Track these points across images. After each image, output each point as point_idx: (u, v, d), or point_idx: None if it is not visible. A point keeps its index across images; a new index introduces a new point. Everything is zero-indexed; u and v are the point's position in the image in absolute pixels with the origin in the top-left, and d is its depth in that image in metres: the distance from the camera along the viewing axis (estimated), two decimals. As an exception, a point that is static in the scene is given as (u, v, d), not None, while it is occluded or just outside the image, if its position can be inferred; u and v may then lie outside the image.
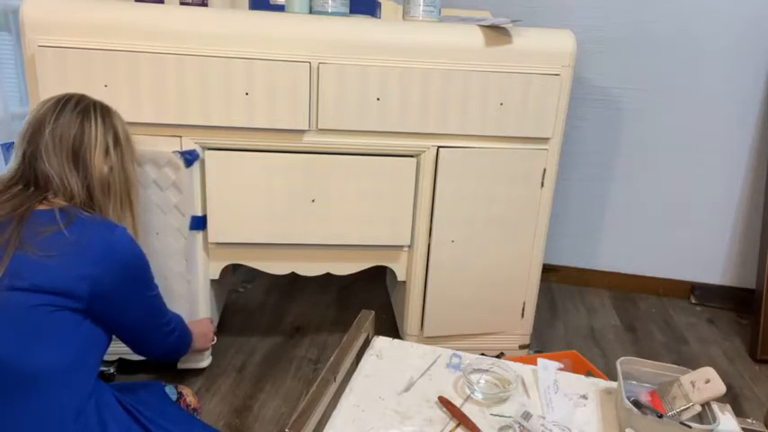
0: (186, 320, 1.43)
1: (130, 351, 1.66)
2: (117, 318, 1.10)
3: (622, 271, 2.47)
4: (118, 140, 1.19)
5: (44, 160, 1.07)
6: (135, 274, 1.09)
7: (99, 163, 1.13)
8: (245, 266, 1.71)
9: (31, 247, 0.95)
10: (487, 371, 1.15)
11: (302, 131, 1.54)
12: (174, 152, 1.50)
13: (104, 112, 1.18)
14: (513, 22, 1.55)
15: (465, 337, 1.85)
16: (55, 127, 1.09)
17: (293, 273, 1.71)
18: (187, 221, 1.56)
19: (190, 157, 1.52)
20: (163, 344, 1.28)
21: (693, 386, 1.03)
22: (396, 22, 1.58)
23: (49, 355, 0.95)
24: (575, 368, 1.63)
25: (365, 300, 2.28)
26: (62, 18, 1.40)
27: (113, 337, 1.13)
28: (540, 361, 1.18)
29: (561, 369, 1.18)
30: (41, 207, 1.03)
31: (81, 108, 1.14)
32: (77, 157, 1.10)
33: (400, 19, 1.67)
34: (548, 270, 2.46)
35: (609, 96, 2.26)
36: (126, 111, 1.45)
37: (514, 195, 1.69)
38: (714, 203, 2.32)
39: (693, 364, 1.94)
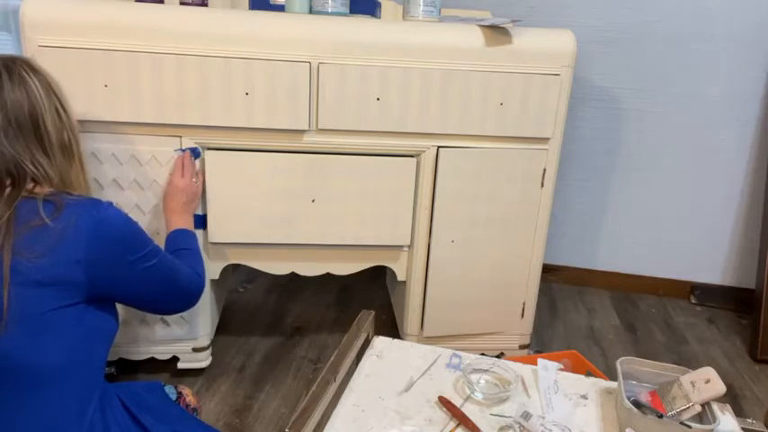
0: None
1: (131, 351, 1.68)
2: (129, 296, 1.08)
3: (622, 271, 2.47)
4: (61, 99, 1.06)
5: (8, 149, 0.97)
6: (129, 247, 1.04)
7: (56, 130, 1.03)
8: (245, 266, 1.70)
9: (22, 249, 0.93)
10: (487, 371, 1.15)
11: (302, 131, 1.54)
12: (175, 150, 1.51)
13: (33, 71, 1.03)
14: (513, 22, 1.55)
15: (465, 337, 1.85)
16: (2, 106, 0.97)
17: (293, 273, 1.71)
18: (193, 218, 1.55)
19: (192, 155, 1.52)
20: (188, 297, 1.22)
21: (693, 386, 1.03)
22: (396, 22, 1.58)
23: (53, 350, 0.95)
24: (575, 368, 1.63)
25: (365, 300, 2.28)
26: (62, 18, 1.40)
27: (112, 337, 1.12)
28: (540, 361, 1.18)
29: (561, 369, 1.18)
30: (24, 198, 0.97)
31: (17, 77, 0.99)
32: (39, 132, 1.00)
33: (400, 19, 1.68)
34: (548, 270, 2.46)
35: (609, 96, 2.26)
36: (126, 111, 1.45)
37: (514, 195, 1.69)
38: (714, 203, 2.33)
39: (693, 364, 1.94)
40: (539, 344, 2.04)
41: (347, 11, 1.61)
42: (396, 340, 1.25)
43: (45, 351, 0.94)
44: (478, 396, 1.08)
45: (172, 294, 1.18)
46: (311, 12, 1.59)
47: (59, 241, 0.95)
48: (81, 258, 0.96)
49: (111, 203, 1.03)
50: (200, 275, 1.26)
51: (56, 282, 0.94)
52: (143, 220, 1.53)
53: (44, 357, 0.94)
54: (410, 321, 1.81)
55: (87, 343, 1.01)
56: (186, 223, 1.44)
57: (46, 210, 0.96)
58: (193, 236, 1.41)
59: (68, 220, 0.97)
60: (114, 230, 1.01)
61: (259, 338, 1.99)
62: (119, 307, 1.11)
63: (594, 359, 1.97)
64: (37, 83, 1.02)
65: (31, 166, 0.99)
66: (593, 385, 1.15)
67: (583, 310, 2.33)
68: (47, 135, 1.02)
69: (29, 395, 0.94)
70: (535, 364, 1.18)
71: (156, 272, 1.10)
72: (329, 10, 1.57)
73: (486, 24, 1.55)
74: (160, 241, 1.36)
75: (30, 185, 1.00)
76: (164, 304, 1.19)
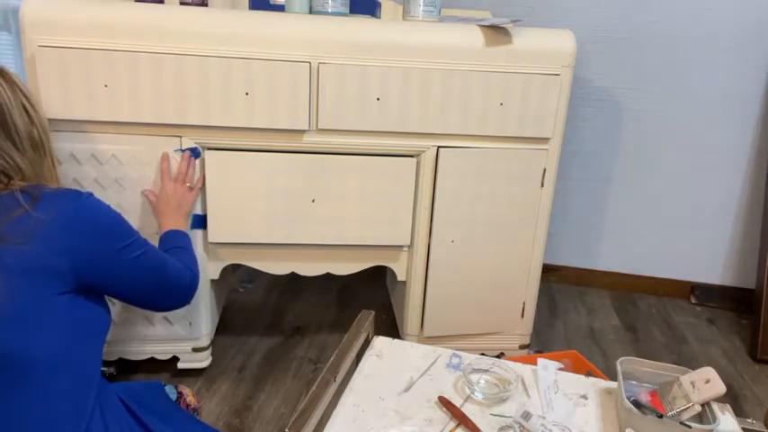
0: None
1: (130, 351, 1.68)
2: (119, 289, 1.08)
3: (622, 271, 2.47)
4: (28, 97, 1.10)
5: None
6: (112, 235, 1.04)
7: (24, 125, 1.06)
8: (245, 266, 1.70)
9: (6, 236, 0.93)
10: (487, 371, 1.15)
11: (302, 131, 1.54)
12: (175, 150, 1.51)
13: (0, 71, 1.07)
14: (513, 22, 1.55)
15: (465, 337, 1.85)
16: None
17: (293, 273, 1.71)
18: (187, 221, 1.56)
19: (192, 155, 1.52)
20: (181, 293, 1.22)
21: (693, 386, 1.03)
22: (396, 22, 1.58)
23: (46, 341, 0.94)
24: (575, 368, 1.63)
25: (365, 300, 2.28)
26: (62, 18, 1.40)
27: (112, 334, 1.11)
28: (540, 361, 1.18)
29: (561, 369, 1.18)
30: (1, 192, 0.98)
31: None
32: (7, 129, 1.03)
33: (400, 19, 1.68)
34: (548, 270, 2.46)
35: (609, 96, 2.26)
36: (126, 111, 1.45)
37: (514, 195, 1.69)
38: (714, 203, 2.33)
39: (693, 364, 1.94)
40: (539, 344, 2.04)
41: (347, 11, 1.61)
42: (396, 340, 1.24)
43: (37, 342, 0.94)
44: (478, 396, 1.08)
45: (164, 288, 1.17)
46: (311, 12, 1.59)
47: (42, 230, 0.95)
48: (64, 247, 0.96)
49: (91, 194, 1.04)
50: (192, 271, 1.26)
51: (42, 271, 0.94)
52: (143, 221, 1.53)
53: (35, 349, 0.94)
54: (410, 321, 1.81)
55: (79, 335, 1.00)
56: (178, 225, 1.45)
57: (25, 200, 0.97)
58: (185, 236, 1.41)
59: (50, 210, 0.97)
60: (96, 219, 1.02)
61: (259, 338, 1.99)
62: (120, 306, 1.11)
63: (594, 359, 1.97)
64: (2, 81, 1.05)
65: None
66: (593, 385, 1.15)
67: (583, 310, 2.33)
68: (15, 129, 1.04)
69: (21, 389, 0.93)
70: (535, 364, 1.18)
71: (143, 264, 1.10)
72: (329, 10, 1.57)
73: (486, 24, 1.55)
74: (157, 242, 1.36)
75: (4, 180, 1.00)
76: (158, 299, 1.19)
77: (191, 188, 1.52)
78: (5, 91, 1.04)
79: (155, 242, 1.27)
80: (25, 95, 1.08)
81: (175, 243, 1.36)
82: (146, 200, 1.53)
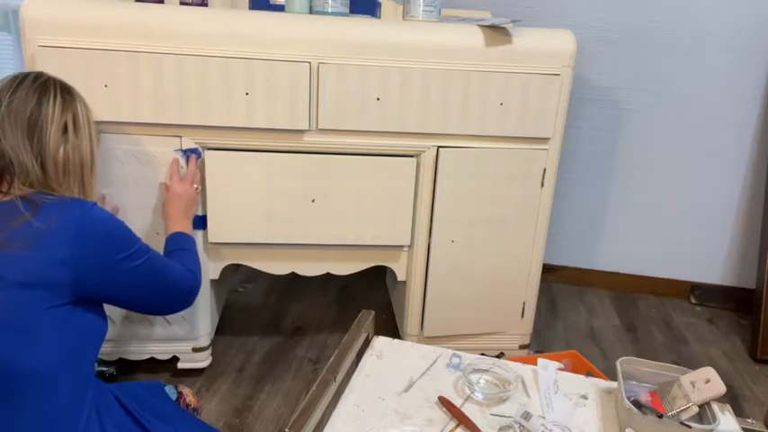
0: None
1: (130, 351, 1.68)
2: (119, 297, 1.07)
3: (622, 271, 2.47)
4: (77, 122, 1.11)
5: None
6: (115, 245, 1.03)
7: (55, 142, 1.06)
8: (245, 266, 1.70)
9: (3, 243, 0.93)
10: (487, 371, 1.15)
11: (302, 131, 1.54)
12: (176, 150, 1.51)
13: (64, 90, 1.11)
14: (513, 22, 1.55)
15: (465, 337, 1.85)
16: (11, 101, 1.03)
17: (293, 273, 1.71)
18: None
19: (197, 156, 1.52)
20: (182, 296, 1.22)
21: (693, 386, 1.03)
22: (396, 22, 1.58)
23: (43, 353, 0.94)
24: (575, 368, 1.63)
25: (365, 300, 2.28)
26: (62, 18, 1.40)
27: (110, 333, 1.10)
28: (540, 361, 1.18)
29: (561, 369, 1.18)
30: (0, 198, 0.99)
31: (39, 84, 1.08)
32: (33, 132, 1.04)
33: (400, 19, 1.68)
34: (548, 270, 2.46)
35: (609, 96, 2.26)
36: (126, 111, 1.45)
37: (514, 195, 1.69)
38: (714, 204, 2.32)
39: (693, 364, 1.94)
40: (539, 344, 2.04)
41: (347, 11, 1.61)
42: (396, 340, 1.25)
43: (34, 354, 0.93)
44: (478, 396, 1.08)
45: (164, 293, 1.17)
46: (311, 12, 1.59)
47: (42, 240, 0.94)
48: (66, 258, 0.95)
49: (94, 203, 1.03)
50: (194, 273, 1.26)
51: (42, 283, 0.94)
52: (144, 220, 1.53)
53: (34, 360, 0.93)
54: (410, 321, 1.81)
55: (77, 345, 1.00)
56: (184, 228, 1.44)
57: (25, 208, 0.97)
58: (190, 238, 1.41)
59: (51, 220, 0.96)
60: (99, 229, 1.01)
61: (259, 338, 1.99)
62: (118, 307, 1.11)
63: (594, 359, 1.97)
64: (58, 96, 1.07)
65: (10, 151, 1.01)
66: (593, 385, 1.15)
67: (583, 310, 2.33)
68: (40, 137, 1.04)
69: (19, 399, 0.93)
70: (535, 364, 1.18)
71: (144, 271, 1.09)
72: (329, 10, 1.57)
73: (486, 24, 1.55)
74: (161, 241, 1.36)
75: (7, 179, 1.00)
76: (158, 304, 1.18)
77: (197, 189, 1.52)
78: (52, 105, 1.07)
79: (156, 242, 1.26)
80: (75, 118, 1.10)
81: (180, 245, 1.35)
82: (146, 199, 1.52)
